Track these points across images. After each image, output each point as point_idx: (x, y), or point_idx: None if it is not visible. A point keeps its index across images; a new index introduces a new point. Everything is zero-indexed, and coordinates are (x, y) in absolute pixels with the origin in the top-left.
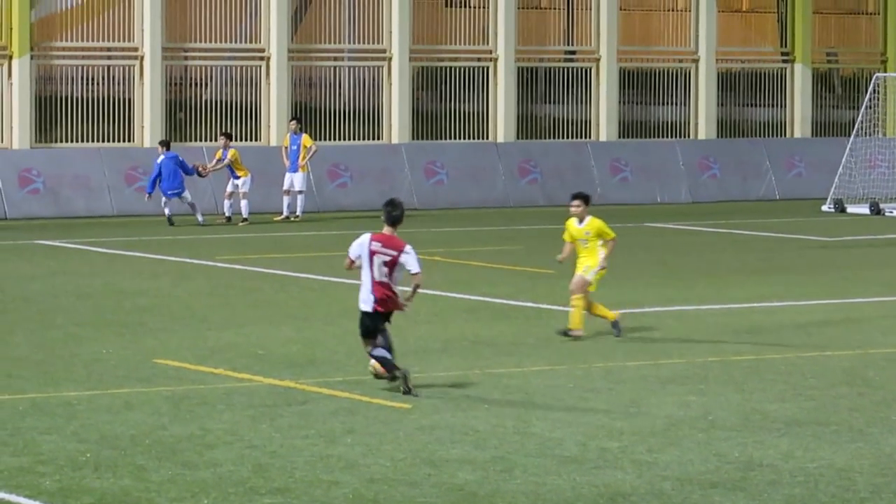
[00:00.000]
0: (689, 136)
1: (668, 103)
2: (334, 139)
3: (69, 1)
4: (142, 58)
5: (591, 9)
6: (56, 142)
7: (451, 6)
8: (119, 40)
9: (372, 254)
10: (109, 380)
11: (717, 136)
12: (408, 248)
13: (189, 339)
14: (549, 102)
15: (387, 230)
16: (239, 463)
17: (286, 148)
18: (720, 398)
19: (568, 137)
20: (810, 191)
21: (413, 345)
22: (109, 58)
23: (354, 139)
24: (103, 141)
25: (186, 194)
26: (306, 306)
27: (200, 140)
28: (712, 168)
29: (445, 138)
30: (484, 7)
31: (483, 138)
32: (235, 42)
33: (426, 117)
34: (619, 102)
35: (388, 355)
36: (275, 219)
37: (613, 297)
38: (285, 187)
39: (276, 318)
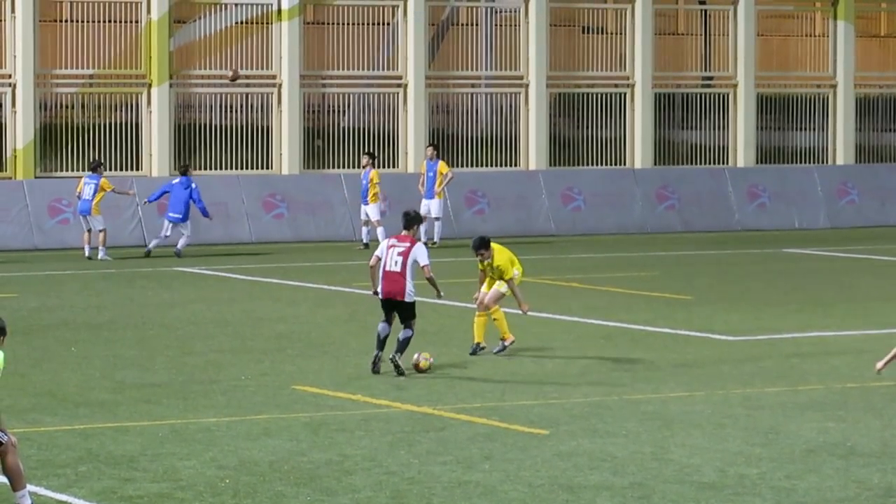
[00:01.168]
0: (827, 162)
1: (806, 129)
2: (471, 166)
3: (207, 29)
4: (280, 85)
5: (728, 34)
6: (195, 169)
7: (588, 32)
8: (257, 68)
9: (389, 248)
10: (248, 406)
11: (856, 162)
12: (419, 244)
13: (328, 365)
14: (687, 128)
15: (404, 233)
16: (377, 489)
17: (423, 174)
18: (859, 424)
19: (705, 163)
20: None
21: (551, 371)
22: (248, 85)
23: (491, 166)
24: (242, 168)
25: (187, 226)
26: (444, 332)
27: (338, 167)
28: (850, 193)
29: (582, 164)
30: (621, 33)
31: (620, 164)
32: (373, 69)
33: (563, 144)
34: (757, 128)
35: (383, 333)
36: None
37: (752, 323)
38: (422, 214)
39: (413, 344)
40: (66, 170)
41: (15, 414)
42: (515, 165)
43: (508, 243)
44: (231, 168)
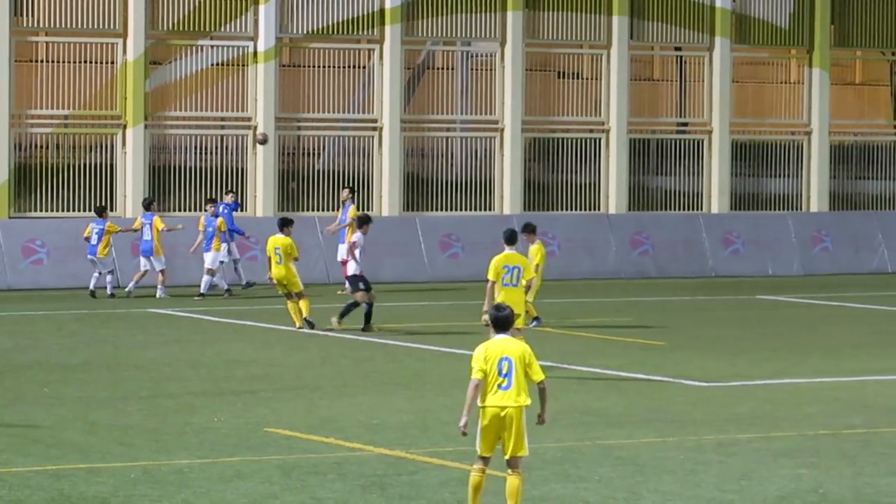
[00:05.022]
0: (801, 209)
1: (780, 176)
2: (446, 210)
3: (183, 71)
4: (255, 127)
5: (703, 81)
6: (169, 211)
7: (563, 77)
8: (233, 110)
9: None
10: (221, 448)
11: (830, 209)
12: None
13: (301, 408)
14: (662, 174)
15: None
16: None
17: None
18: (832, 472)
19: (680, 209)
20: None
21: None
22: (223, 127)
23: (466, 210)
24: None
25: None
26: (418, 376)
27: (313, 210)
28: (824, 241)
29: (557, 209)
30: (596, 79)
31: (595, 210)
32: (348, 112)
33: (538, 188)
34: (732, 174)
35: None
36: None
37: (725, 370)
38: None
39: (387, 387)
40: (41, 210)
41: None
42: (490, 209)
43: (482, 288)
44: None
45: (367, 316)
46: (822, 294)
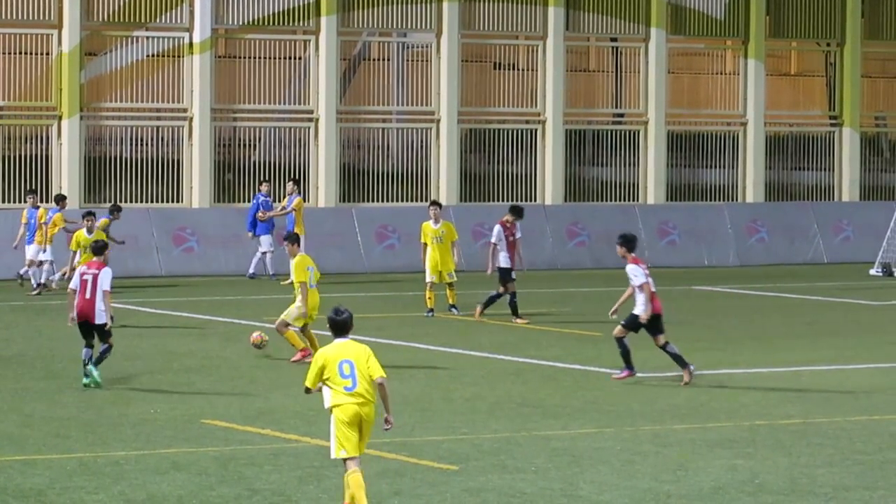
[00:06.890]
0: (736, 200)
1: (716, 166)
2: (382, 201)
3: (119, 62)
4: (191, 119)
5: (639, 72)
6: (105, 202)
7: (499, 68)
8: (168, 101)
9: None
10: (157, 440)
11: (765, 200)
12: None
13: (237, 399)
14: (598, 165)
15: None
16: None
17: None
18: (768, 462)
19: (616, 200)
20: (858, 255)
21: (460, 406)
22: (158, 118)
23: (402, 201)
24: (152, 201)
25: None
26: None
27: (248, 201)
28: (760, 231)
29: (493, 200)
30: (532, 69)
31: (531, 200)
32: (284, 103)
33: (474, 179)
34: (667, 165)
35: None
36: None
37: (661, 360)
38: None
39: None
40: None
41: None
42: (426, 201)
43: (418, 279)
44: (141, 201)
45: (514, 306)
46: (758, 284)
